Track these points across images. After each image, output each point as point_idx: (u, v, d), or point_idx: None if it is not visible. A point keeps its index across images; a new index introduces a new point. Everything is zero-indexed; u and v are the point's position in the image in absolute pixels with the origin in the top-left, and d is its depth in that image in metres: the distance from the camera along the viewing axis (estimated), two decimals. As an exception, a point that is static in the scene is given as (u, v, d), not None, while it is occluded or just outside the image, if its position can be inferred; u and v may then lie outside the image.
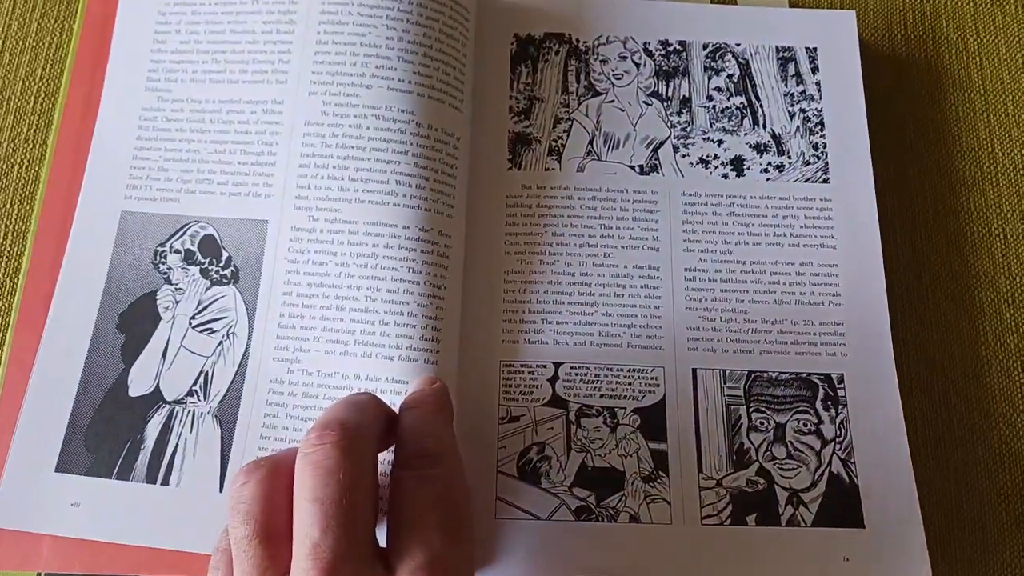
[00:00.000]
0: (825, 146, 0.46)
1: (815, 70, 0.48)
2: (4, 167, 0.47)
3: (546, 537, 0.39)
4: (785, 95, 0.47)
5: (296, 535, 0.30)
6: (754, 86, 0.47)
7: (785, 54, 0.48)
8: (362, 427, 0.33)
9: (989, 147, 0.48)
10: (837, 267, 0.44)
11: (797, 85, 0.47)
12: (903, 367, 0.43)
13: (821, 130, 0.47)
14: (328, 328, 0.40)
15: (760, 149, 0.46)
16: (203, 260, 0.42)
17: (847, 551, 0.39)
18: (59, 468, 0.39)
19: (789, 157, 0.46)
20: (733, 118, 0.47)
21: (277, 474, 0.33)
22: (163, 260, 0.43)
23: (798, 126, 0.47)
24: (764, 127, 0.47)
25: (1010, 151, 0.48)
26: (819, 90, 0.47)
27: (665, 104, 0.47)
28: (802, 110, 0.47)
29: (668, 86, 0.47)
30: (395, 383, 0.39)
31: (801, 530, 0.39)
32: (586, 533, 0.39)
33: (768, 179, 0.46)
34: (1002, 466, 0.43)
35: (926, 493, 0.42)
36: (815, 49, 0.48)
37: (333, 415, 0.33)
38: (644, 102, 0.47)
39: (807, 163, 0.46)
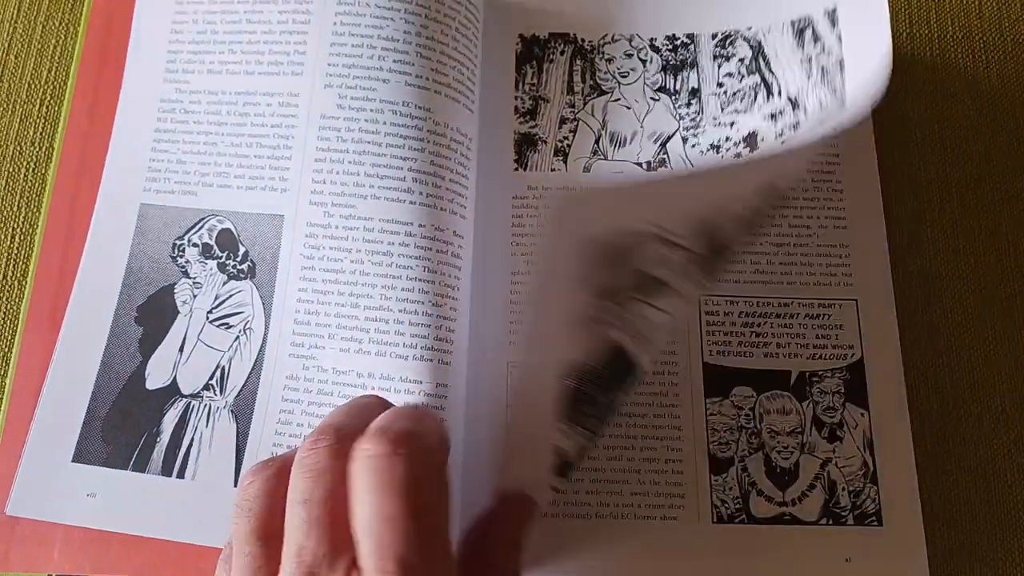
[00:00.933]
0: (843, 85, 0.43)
1: (834, 24, 0.45)
2: (11, 170, 0.47)
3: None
4: (803, 61, 0.45)
5: (285, 537, 0.30)
6: (768, 63, 0.46)
7: (801, 24, 0.46)
8: (359, 432, 0.32)
9: (995, 146, 0.48)
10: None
11: (815, 46, 0.45)
12: (908, 362, 0.43)
13: (841, 72, 0.44)
14: (343, 325, 0.40)
15: (775, 117, 0.45)
16: (220, 254, 0.42)
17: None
18: (76, 458, 0.39)
19: (805, 112, 0.44)
20: (746, 98, 0.46)
21: (283, 475, 0.32)
22: (181, 253, 0.43)
23: (816, 81, 0.45)
24: (780, 95, 0.46)
25: (1015, 150, 0.48)
26: (840, 41, 0.44)
27: (673, 97, 0.47)
28: (821, 66, 0.44)
29: (676, 79, 0.47)
30: (408, 383, 0.39)
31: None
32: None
33: (783, 142, 0.44)
34: (1008, 461, 0.43)
35: (930, 488, 0.42)
36: (835, 10, 0.45)
37: (332, 420, 0.33)
38: (651, 98, 0.47)
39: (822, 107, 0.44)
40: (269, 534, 0.31)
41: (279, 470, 0.33)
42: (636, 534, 0.39)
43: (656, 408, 0.41)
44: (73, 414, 0.40)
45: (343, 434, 0.32)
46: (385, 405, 0.35)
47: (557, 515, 0.39)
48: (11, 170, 0.47)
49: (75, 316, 0.42)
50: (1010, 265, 0.46)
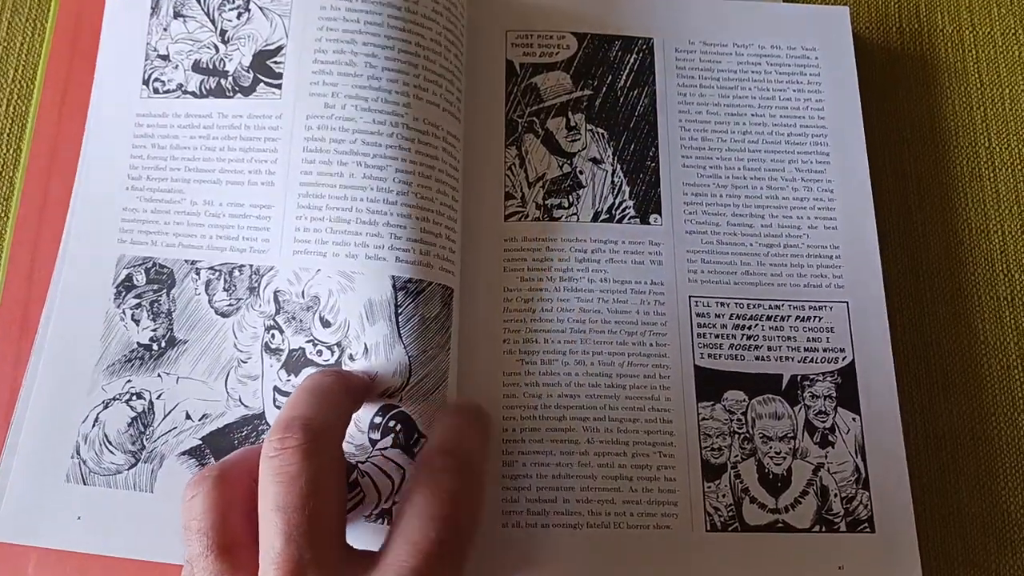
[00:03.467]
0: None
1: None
2: (-23, 175, 0.45)
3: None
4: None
5: (261, 544, 0.30)
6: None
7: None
8: (326, 424, 0.32)
9: (986, 142, 0.48)
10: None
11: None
12: (900, 366, 0.43)
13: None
14: None
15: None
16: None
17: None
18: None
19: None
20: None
21: (226, 481, 0.32)
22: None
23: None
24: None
25: (1007, 146, 0.48)
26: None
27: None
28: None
29: None
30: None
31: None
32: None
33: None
34: (1002, 465, 0.43)
35: (923, 493, 0.42)
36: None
37: (296, 412, 0.31)
38: None
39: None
40: (228, 546, 0.31)
41: (220, 477, 0.32)
42: (629, 544, 0.39)
43: (648, 413, 0.41)
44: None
45: (309, 429, 0.31)
46: (345, 384, 0.35)
47: (548, 525, 0.39)
48: (-23, 175, 0.45)
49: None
50: (1000, 265, 0.46)
